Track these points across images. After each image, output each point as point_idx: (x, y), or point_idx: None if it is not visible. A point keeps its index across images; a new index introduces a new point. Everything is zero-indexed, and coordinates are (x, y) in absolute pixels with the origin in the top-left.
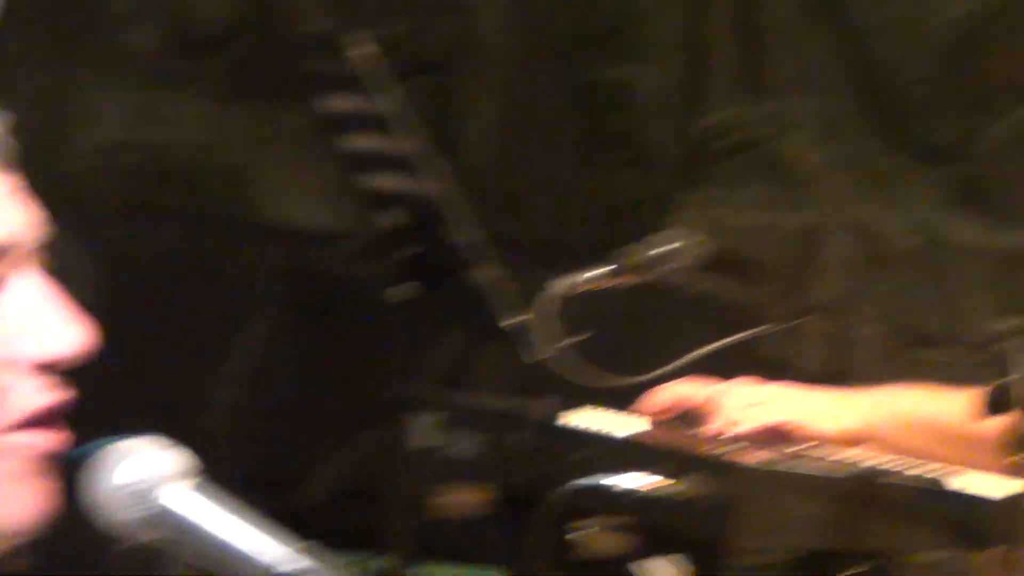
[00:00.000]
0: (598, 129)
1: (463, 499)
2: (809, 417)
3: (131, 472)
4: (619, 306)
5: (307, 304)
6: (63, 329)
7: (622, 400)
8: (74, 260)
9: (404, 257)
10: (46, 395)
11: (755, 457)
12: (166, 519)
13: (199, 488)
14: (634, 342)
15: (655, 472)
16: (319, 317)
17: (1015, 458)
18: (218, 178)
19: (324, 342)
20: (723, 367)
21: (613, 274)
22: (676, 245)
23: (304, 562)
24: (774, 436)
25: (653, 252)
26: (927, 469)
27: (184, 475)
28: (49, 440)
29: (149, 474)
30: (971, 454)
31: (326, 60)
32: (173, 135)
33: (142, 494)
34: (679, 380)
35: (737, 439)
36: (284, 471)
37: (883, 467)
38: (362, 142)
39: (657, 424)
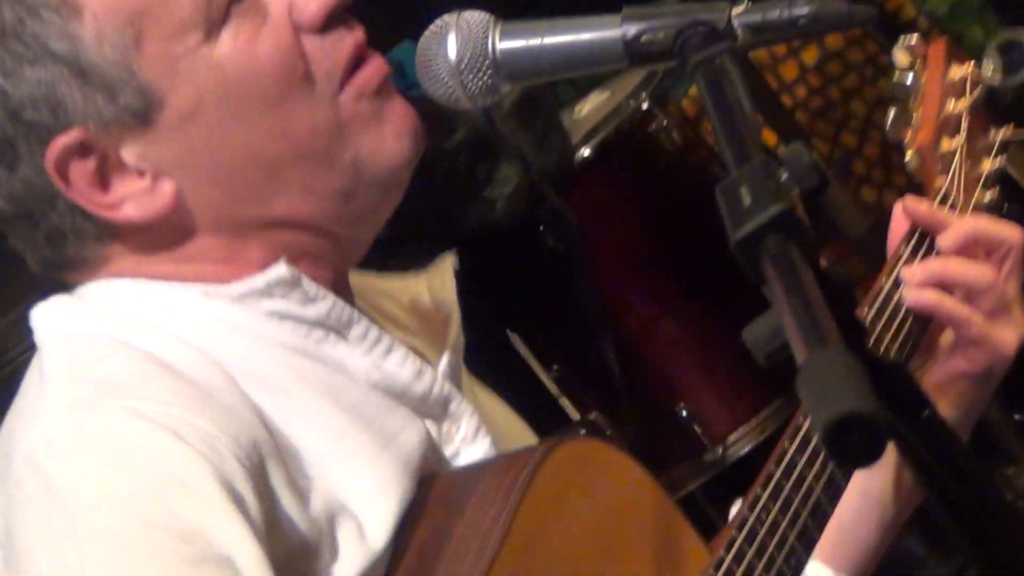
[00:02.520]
0: None
1: None
2: None
3: (456, 46)
4: None
5: None
6: None
7: None
8: None
9: None
10: (349, 39)
11: None
12: (512, 60)
13: (506, 24)
14: None
15: None
16: None
17: None
18: None
19: None
20: None
21: None
22: None
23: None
24: None
25: None
26: None
27: (492, 21)
28: (374, 70)
29: (471, 37)
30: None
31: None
32: None
33: (479, 53)
34: None
35: None
36: None
37: None
38: None
39: None
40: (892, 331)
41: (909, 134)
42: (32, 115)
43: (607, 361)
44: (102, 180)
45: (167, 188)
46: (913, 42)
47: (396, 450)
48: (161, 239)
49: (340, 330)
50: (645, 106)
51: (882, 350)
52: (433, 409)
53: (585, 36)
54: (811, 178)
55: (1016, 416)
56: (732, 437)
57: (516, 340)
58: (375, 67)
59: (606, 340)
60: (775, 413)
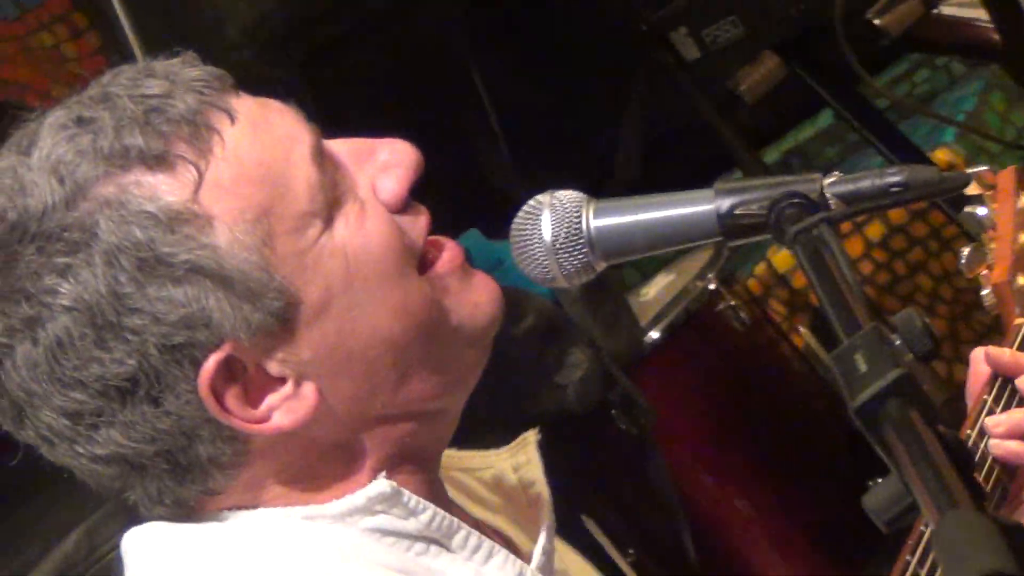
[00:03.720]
0: None
1: None
2: None
3: (551, 225)
4: None
5: None
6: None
7: None
8: None
9: None
10: (422, 217)
11: None
12: (607, 238)
13: (599, 202)
14: None
15: None
16: None
17: None
18: None
19: None
20: None
21: None
22: None
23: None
24: None
25: None
26: None
27: (586, 200)
28: (455, 249)
29: (565, 216)
30: None
31: None
32: None
33: (574, 232)
34: None
35: None
36: None
37: None
38: None
39: None
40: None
41: (985, 270)
42: (182, 337)
43: (683, 543)
44: (248, 394)
45: (309, 390)
46: (982, 170)
47: None
48: (287, 456)
49: (441, 539)
50: (712, 286)
51: None
52: None
53: (678, 211)
54: (924, 342)
55: None
56: None
57: (591, 525)
58: (455, 246)
59: (681, 522)
60: None
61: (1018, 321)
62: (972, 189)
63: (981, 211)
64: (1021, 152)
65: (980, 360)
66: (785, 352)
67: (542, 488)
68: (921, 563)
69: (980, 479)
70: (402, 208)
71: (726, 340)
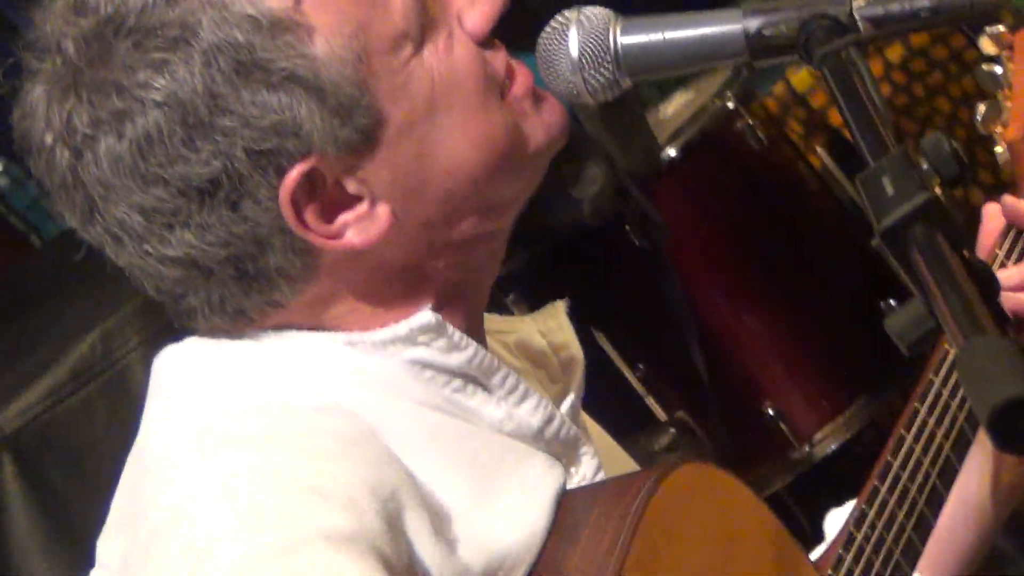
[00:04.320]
0: None
1: None
2: None
3: (578, 41)
4: None
5: None
6: None
7: None
8: None
9: None
10: (500, 50)
11: None
12: (633, 55)
13: (626, 19)
14: None
15: None
16: None
17: None
18: None
19: None
20: None
21: None
22: None
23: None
24: None
25: None
26: None
27: (613, 16)
28: (527, 74)
29: (592, 32)
30: None
31: None
32: None
33: (601, 48)
34: None
35: None
36: None
37: None
38: None
39: None
40: None
41: (1000, 127)
42: (271, 144)
43: (693, 359)
44: (324, 210)
45: (383, 211)
46: (1000, 31)
47: (539, 496)
48: (354, 276)
49: (480, 377)
50: (730, 105)
51: None
52: (558, 451)
53: (706, 30)
54: (951, 167)
55: None
56: (818, 435)
57: (601, 339)
58: (526, 71)
59: (691, 338)
60: (860, 411)
61: None
62: (989, 48)
63: (998, 70)
64: None
65: (994, 215)
66: (802, 172)
67: (576, 351)
68: (944, 383)
69: None
70: (484, 41)
71: (743, 159)
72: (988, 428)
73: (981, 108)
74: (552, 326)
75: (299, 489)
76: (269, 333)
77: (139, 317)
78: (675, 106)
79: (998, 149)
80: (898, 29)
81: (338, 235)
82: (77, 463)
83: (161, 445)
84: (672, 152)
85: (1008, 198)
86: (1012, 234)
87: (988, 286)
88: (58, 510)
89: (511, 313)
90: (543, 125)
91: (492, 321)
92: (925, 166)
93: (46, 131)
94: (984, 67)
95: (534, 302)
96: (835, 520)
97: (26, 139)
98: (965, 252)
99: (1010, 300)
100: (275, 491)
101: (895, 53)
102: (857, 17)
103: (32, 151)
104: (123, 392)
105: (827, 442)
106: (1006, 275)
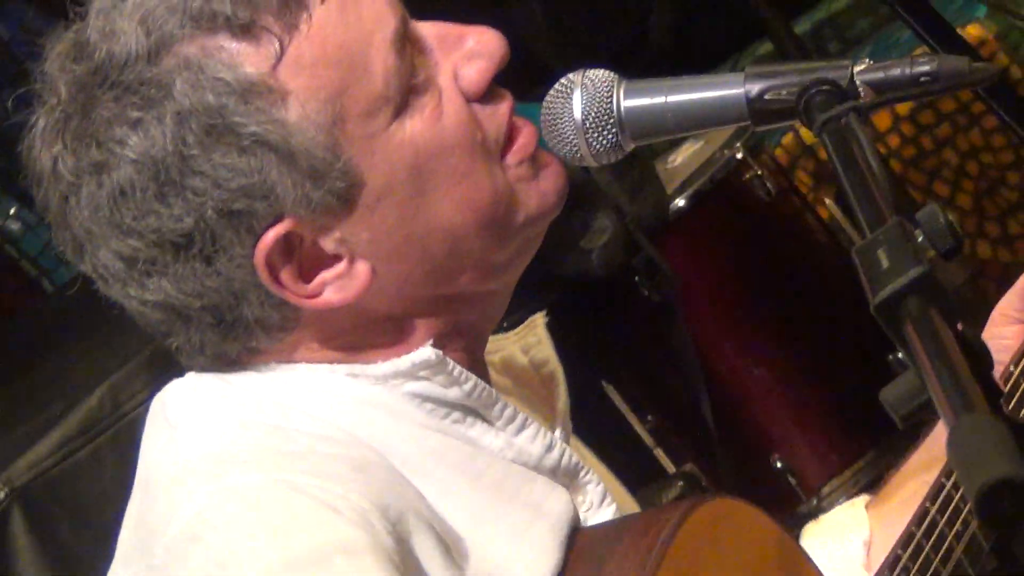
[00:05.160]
0: None
1: None
2: None
3: (581, 104)
4: None
5: None
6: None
7: None
8: None
9: None
10: (504, 104)
11: None
12: (636, 119)
13: (629, 82)
14: None
15: None
16: None
17: None
18: None
19: None
20: None
21: None
22: None
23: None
24: None
25: None
26: None
27: (616, 79)
28: (530, 134)
29: (595, 96)
30: None
31: None
32: None
33: (604, 112)
34: None
35: None
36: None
37: None
38: None
39: None
40: None
41: None
42: (241, 205)
43: (702, 411)
44: (302, 269)
45: (362, 269)
46: None
47: (545, 520)
48: (337, 324)
49: (479, 410)
50: (739, 156)
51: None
52: (562, 480)
53: (708, 94)
54: (947, 240)
55: None
56: (826, 489)
57: (611, 390)
58: (530, 131)
59: (701, 390)
60: (869, 465)
61: None
62: None
63: None
64: None
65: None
66: (810, 223)
67: (555, 366)
68: (941, 511)
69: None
70: (483, 97)
71: (752, 210)
72: (976, 508)
73: None
74: (532, 342)
75: (316, 504)
76: (272, 364)
77: (147, 370)
78: (684, 156)
79: None
80: (898, 96)
81: (316, 293)
82: (85, 517)
83: (169, 471)
84: (681, 202)
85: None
86: None
87: (982, 361)
88: (66, 564)
89: None
90: (538, 193)
91: None
92: (921, 238)
93: (42, 169)
94: None
95: None
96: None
97: (29, 171)
98: (960, 326)
99: None
100: (292, 503)
101: (903, 105)
102: (858, 82)
103: (33, 184)
104: (132, 445)
105: (835, 495)
106: None
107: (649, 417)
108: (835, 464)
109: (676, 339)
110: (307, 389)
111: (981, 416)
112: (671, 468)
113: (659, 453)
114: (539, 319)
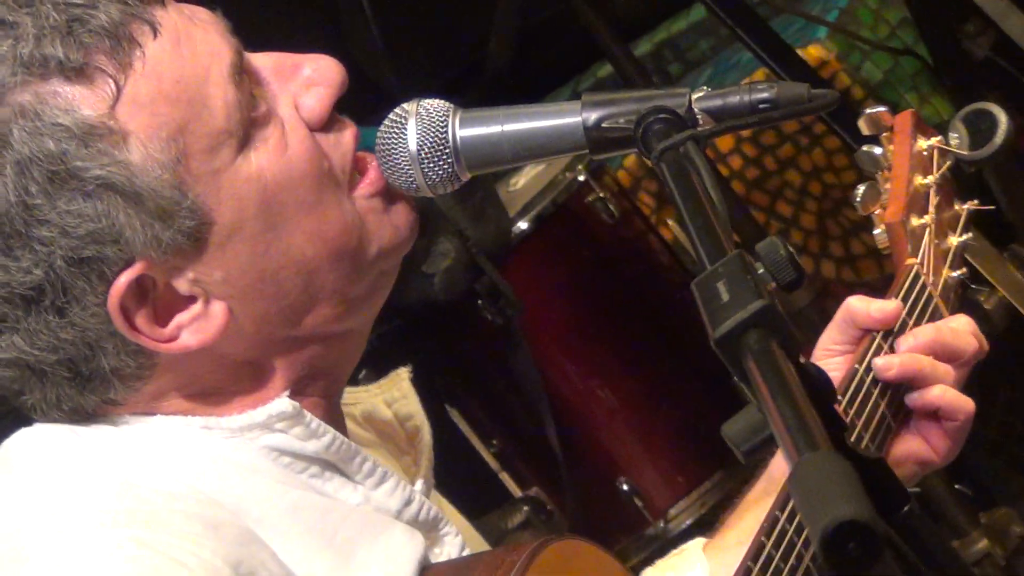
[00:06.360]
0: None
1: None
2: None
3: (416, 135)
4: None
5: None
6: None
7: None
8: None
9: None
10: (348, 132)
11: None
12: (473, 149)
13: (465, 112)
14: None
15: None
16: None
17: None
18: None
19: None
20: None
21: None
22: None
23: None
24: None
25: None
26: None
27: (452, 109)
28: (378, 170)
29: (431, 126)
30: None
31: None
32: None
33: (440, 142)
34: None
35: None
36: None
37: None
38: None
39: None
40: (864, 419)
41: (879, 208)
42: (91, 252)
43: (547, 435)
44: (157, 312)
45: (219, 309)
46: (879, 111)
47: (401, 566)
48: (194, 370)
49: (337, 463)
50: (581, 178)
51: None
52: (420, 531)
53: (545, 123)
54: (787, 272)
55: (958, 487)
56: (673, 511)
57: (455, 414)
58: (377, 167)
59: (545, 413)
60: (716, 487)
61: (909, 261)
62: (867, 129)
63: (877, 151)
64: (891, 51)
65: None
66: (653, 245)
67: (421, 421)
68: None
69: (864, 417)
70: (325, 125)
71: (594, 232)
72: (820, 550)
73: (860, 190)
74: (397, 395)
75: (164, 560)
76: (125, 417)
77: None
78: (527, 178)
79: (877, 231)
80: (738, 124)
81: (172, 337)
82: None
83: (12, 529)
84: (524, 225)
85: (875, 307)
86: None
87: (823, 395)
88: None
89: None
90: (391, 225)
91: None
92: (761, 270)
93: None
94: (864, 149)
95: None
96: None
97: None
98: (801, 359)
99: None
100: (141, 560)
101: None
102: (696, 110)
103: None
104: None
105: (682, 517)
106: (903, 341)
107: (494, 441)
108: (682, 486)
109: (520, 362)
110: (160, 444)
111: (823, 454)
112: (517, 492)
113: (504, 477)
114: (404, 373)
